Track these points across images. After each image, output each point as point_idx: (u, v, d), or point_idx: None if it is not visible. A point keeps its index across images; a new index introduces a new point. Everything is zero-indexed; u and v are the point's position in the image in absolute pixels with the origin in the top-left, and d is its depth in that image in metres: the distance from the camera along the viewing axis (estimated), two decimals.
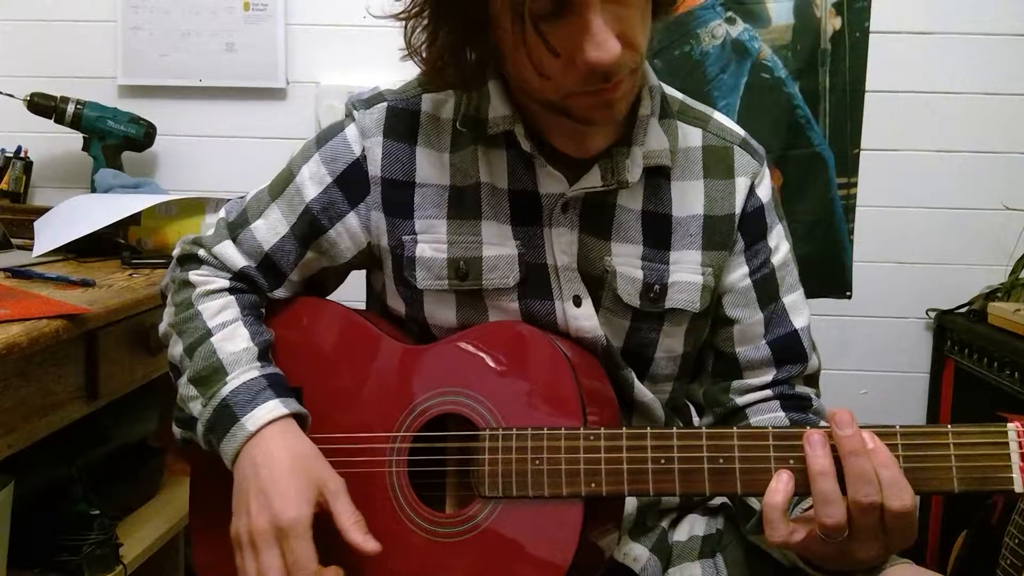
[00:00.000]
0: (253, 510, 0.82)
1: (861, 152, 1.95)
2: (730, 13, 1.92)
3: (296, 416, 0.87)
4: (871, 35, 1.91)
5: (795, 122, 1.94)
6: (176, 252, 1.03)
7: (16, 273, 1.32)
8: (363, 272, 1.06)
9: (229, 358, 0.89)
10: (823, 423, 0.97)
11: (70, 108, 1.83)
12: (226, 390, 0.87)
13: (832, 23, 1.91)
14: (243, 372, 0.88)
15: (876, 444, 0.74)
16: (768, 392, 0.99)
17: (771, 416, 0.97)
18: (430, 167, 0.94)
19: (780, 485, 0.76)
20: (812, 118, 1.95)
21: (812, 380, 1.02)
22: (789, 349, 0.99)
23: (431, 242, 0.94)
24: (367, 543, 0.81)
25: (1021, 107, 1.92)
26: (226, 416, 0.86)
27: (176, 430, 0.94)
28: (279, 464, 0.83)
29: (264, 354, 0.92)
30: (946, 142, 1.94)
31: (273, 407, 0.86)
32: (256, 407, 0.85)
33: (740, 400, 0.99)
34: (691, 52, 1.94)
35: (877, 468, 0.73)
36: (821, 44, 1.92)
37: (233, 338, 0.91)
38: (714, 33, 1.93)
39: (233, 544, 0.84)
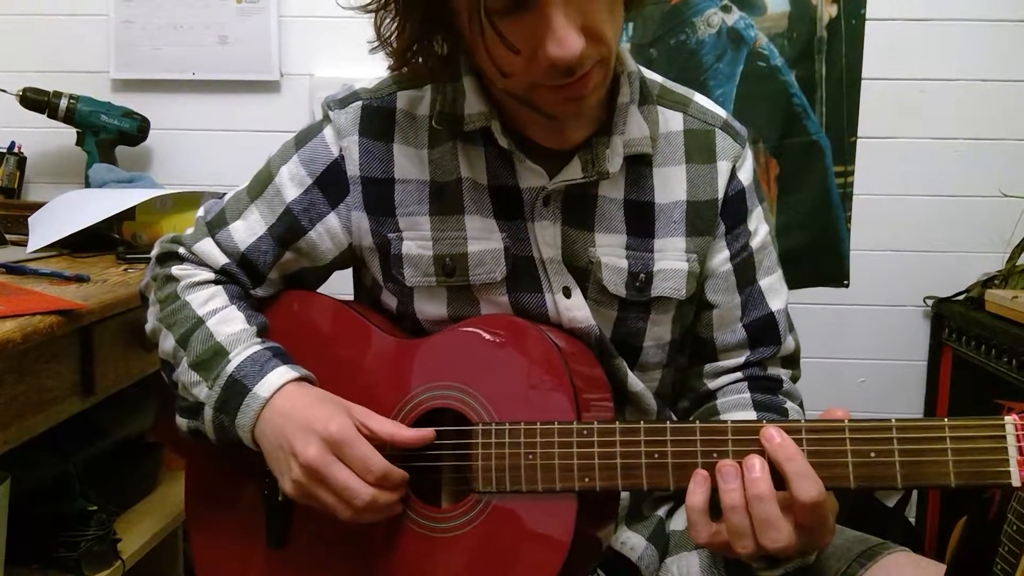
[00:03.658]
0: (299, 448, 0.80)
1: (858, 140, 1.95)
2: (726, 1, 1.91)
3: (306, 380, 0.88)
4: (867, 22, 1.91)
5: (792, 110, 1.94)
6: (155, 252, 1.02)
7: (10, 269, 1.31)
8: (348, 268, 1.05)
9: (228, 339, 0.89)
10: (789, 404, 0.98)
11: (63, 103, 1.83)
12: (231, 367, 0.87)
13: (828, 10, 1.91)
14: (245, 348, 0.88)
15: (783, 439, 0.73)
16: (738, 374, 1.00)
17: (737, 397, 0.98)
18: (409, 163, 0.93)
19: (697, 486, 0.75)
20: (808, 106, 1.94)
21: (788, 361, 1.03)
22: (764, 331, 1.00)
23: (416, 239, 0.93)
24: (417, 432, 0.82)
25: (1018, 94, 1.91)
26: (236, 391, 0.86)
27: (181, 421, 0.92)
28: (306, 405, 0.83)
29: (262, 333, 0.92)
30: (943, 129, 1.93)
31: (283, 372, 0.86)
32: (266, 375, 0.86)
33: (712, 384, 1.01)
34: (687, 41, 1.93)
35: (783, 462, 0.72)
36: (817, 32, 1.92)
37: (228, 321, 0.91)
38: (710, 21, 1.92)
39: (299, 499, 0.83)
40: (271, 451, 0.84)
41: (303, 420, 0.82)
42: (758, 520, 0.72)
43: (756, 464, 0.73)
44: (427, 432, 0.83)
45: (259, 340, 0.90)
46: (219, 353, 0.88)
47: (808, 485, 0.72)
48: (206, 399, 0.88)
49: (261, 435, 0.85)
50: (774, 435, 0.74)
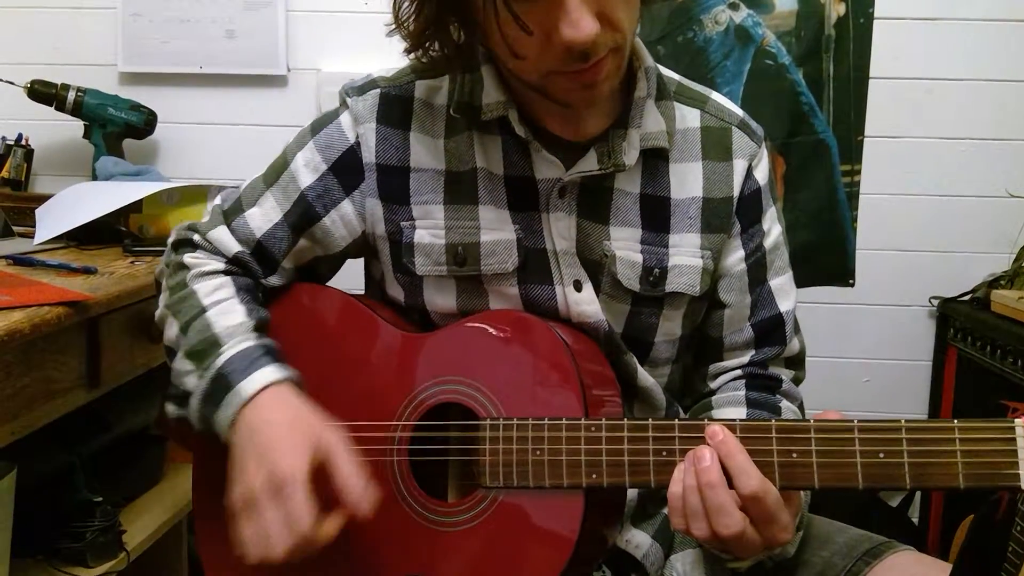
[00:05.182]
0: (251, 470, 0.78)
1: (865, 139, 1.94)
2: None
3: (291, 381, 0.86)
4: (875, 21, 1.90)
5: (799, 109, 1.94)
6: (171, 238, 1.02)
7: (18, 260, 1.31)
8: (360, 259, 1.05)
9: (224, 331, 0.88)
10: (786, 403, 0.98)
11: (71, 95, 1.83)
12: (221, 360, 0.86)
13: (836, 9, 1.90)
14: (238, 343, 0.87)
15: (725, 436, 0.76)
16: (738, 372, 1.00)
17: (732, 395, 0.98)
18: (425, 153, 0.94)
19: (679, 475, 0.77)
20: (816, 105, 1.94)
21: (792, 362, 1.03)
22: (771, 331, 1.00)
23: (429, 228, 0.93)
24: (361, 504, 0.77)
25: None
26: (221, 385, 0.85)
27: (169, 408, 0.92)
28: (277, 425, 0.80)
29: (260, 328, 0.91)
30: (950, 129, 1.93)
31: (270, 372, 0.85)
32: (252, 373, 0.84)
33: (714, 384, 1.01)
34: (694, 38, 1.93)
35: (724, 459, 0.75)
36: (825, 30, 1.91)
37: (229, 313, 0.91)
38: (717, 19, 1.92)
39: (230, 516, 0.79)
40: (233, 460, 0.82)
41: (265, 447, 0.79)
42: (711, 507, 0.74)
43: (706, 454, 0.75)
44: (366, 507, 0.77)
45: (254, 335, 0.89)
46: (213, 344, 0.88)
47: (746, 480, 0.74)
48: (193, 389, 0.87)
49: (235, 436, 0.83)
50: (717, 432, 0.76)
